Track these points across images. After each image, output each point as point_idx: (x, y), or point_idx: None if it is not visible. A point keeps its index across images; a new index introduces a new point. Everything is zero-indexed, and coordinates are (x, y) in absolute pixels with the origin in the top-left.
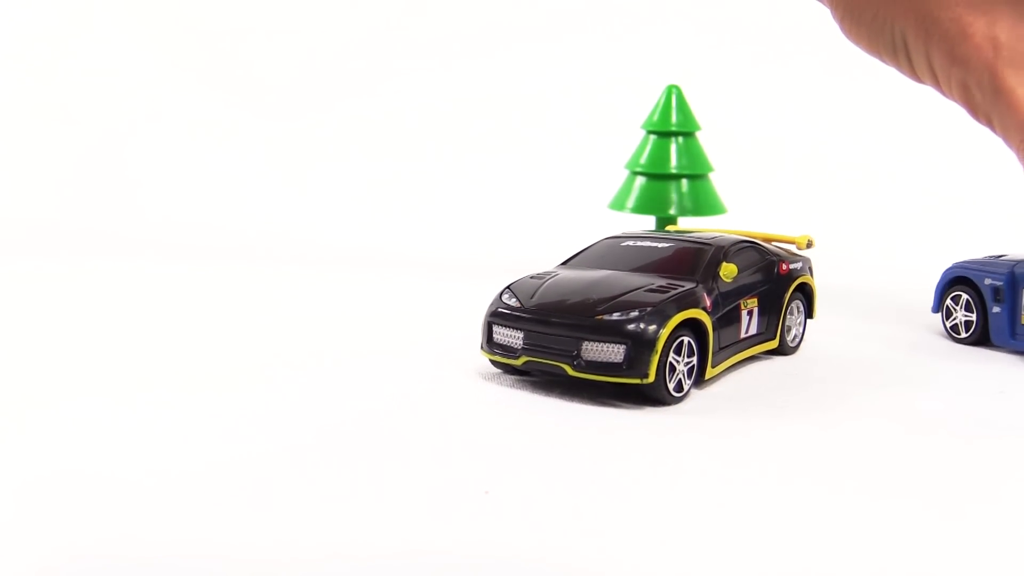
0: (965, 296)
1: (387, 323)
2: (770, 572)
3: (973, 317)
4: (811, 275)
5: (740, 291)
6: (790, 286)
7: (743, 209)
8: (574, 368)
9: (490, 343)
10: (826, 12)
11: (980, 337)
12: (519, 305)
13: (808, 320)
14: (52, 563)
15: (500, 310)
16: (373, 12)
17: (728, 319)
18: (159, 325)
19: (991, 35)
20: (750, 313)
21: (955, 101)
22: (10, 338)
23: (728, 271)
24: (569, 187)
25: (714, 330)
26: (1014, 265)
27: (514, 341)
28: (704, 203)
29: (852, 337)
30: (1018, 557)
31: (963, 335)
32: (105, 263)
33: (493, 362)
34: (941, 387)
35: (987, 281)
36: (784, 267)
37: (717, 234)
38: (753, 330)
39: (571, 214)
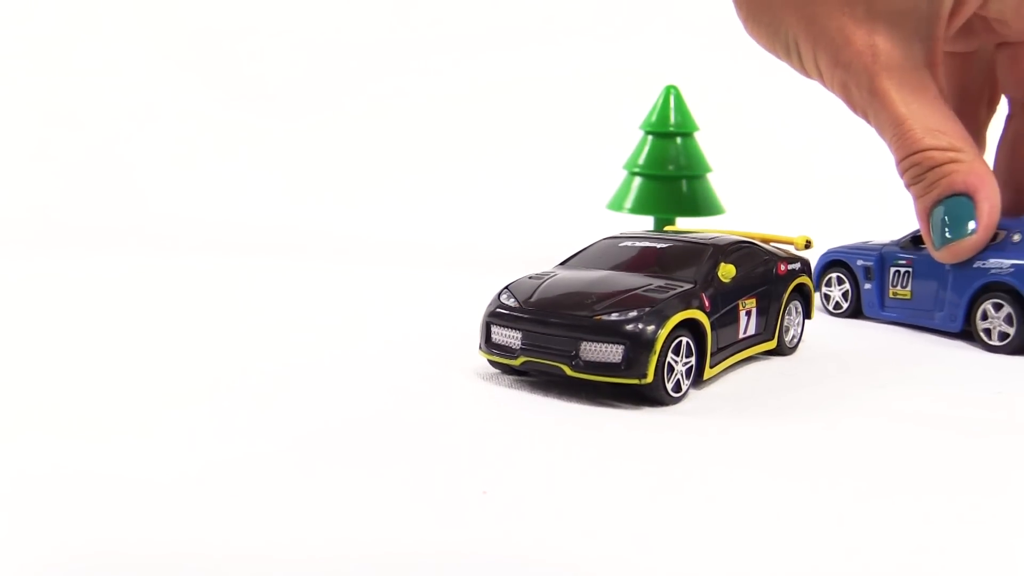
0: (836, 275)
1: (385, 323)
2: (769, 571)
3: (847, 289)
4: (809, 275)
5: (738, 291)
6: (788, 286)
7: (741, 209)
8: (572, 368)
9: (488, 343)
10: None
11: (854, 311)
12: (517, 305)
13: (806, 320)
14: (51, 563)
15: (498, 310)
16: (373, 13)
17: (726, 319)
18: (159, 322)
19: (871, 43)
20: (748, 313)
21: (836, 96)
22: (13, 336)
23: (726, 271)
24: (567, 187)
25: (712, 330)
26: (881, 248)
27: (512, 341)
28: (702, 203)
29: (850, 337)
30: (1019, 555)
31: (843, 308)
32: (105, 261)
33: (491, 362)
34: (939, 387)
35: (859, 262)
36: (782, 267)
37: (715, 234)
38: (751, 330)
39: (569, 214)
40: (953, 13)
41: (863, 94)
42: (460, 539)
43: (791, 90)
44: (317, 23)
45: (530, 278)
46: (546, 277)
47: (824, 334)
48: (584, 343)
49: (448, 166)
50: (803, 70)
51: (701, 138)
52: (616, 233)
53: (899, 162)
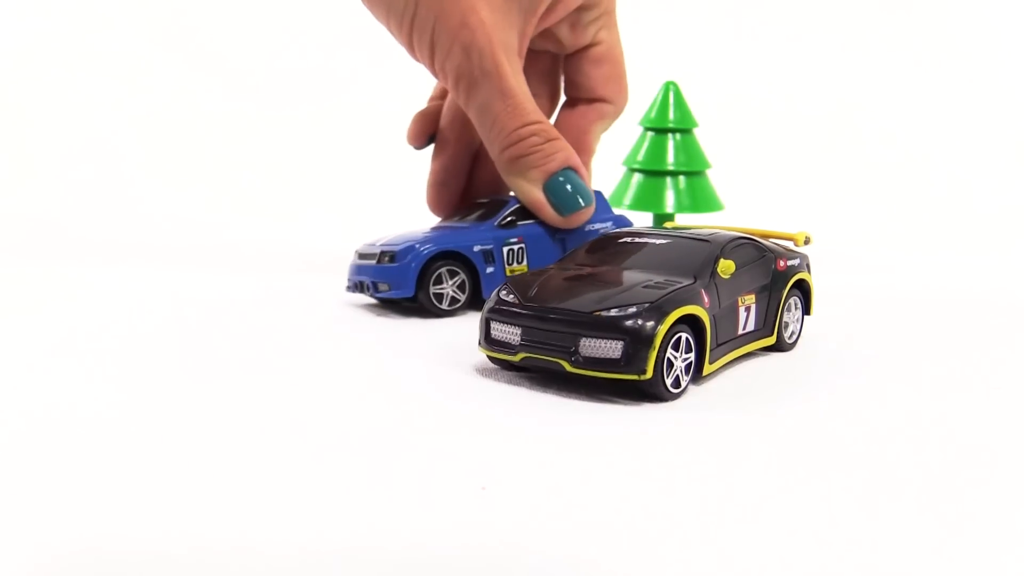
0: (445, 269)
1: (385, 319)
2: (768, 567)
3: (462, 279)
4: (809, 272)
5: (738, 287)
6: (788, 282)
7: (741, 205)
8: (572, 364)
9: (488, 339)
10: (827, 9)
11: (472, 300)
12: (517, 301)
13: (805, 316)
14: (42, 561)
15: (498, 306)
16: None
17: (726, 315)
18: (161, 322)
19: (492, 20)
20: (748, 309)
21: (446, 71)
22: (11, 338)
23: (726, 267)
24: None
25: (712, 326)
26: (451, 231)
27: (512, 337)
28: (702, 200)
29: (849, 333)
30: (1017, 552)
31: (461, 301)
32: (96, 260)
33: (491, 358)
34: (939, 383)
35: (476, 248)
36: (782, 263)
37: (715, 230)
38: (751, 326)
39: None
40: (543, 17)
41: (485, 63)
42: (459, 535)
43: (790, 86)
44: (312, 21)
45: (530, 274)
46: (546, 273)
47: (823, 330)
48: (583, 339)
49: None
50: (410, 42)
51: (700, 134)
52: (616, 229)
53: (513, 131)
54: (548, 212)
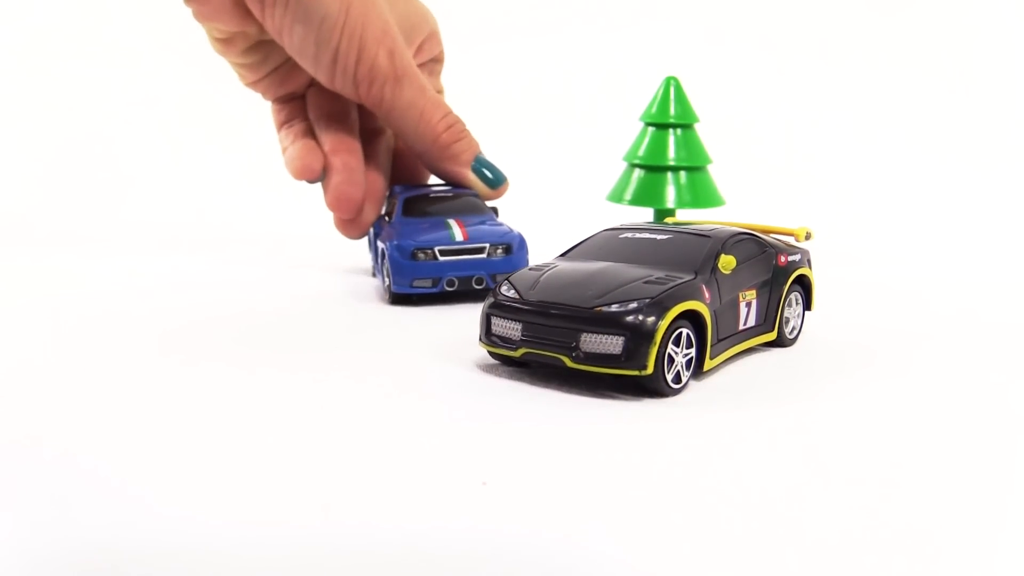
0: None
1: (386, 314)
2: (769, 564)
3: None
4: (809, 267)
5: (739, 283)
6: (788, 278)
7: (742, 201)
8: (572, 360)
9: (489, 334)
10: (824, 5)
11: None
12: (518, 297)
13: (806, 312)
14: (35, 563)
15: (499, 301)
16: None
17: (726, 311)
18: (168, 318)
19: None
20: (748, 305)
21: (372, 74)
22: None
23: (727, 263)
24: (567, 179)
25: (712, 322)
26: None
27: (513, 332)
28: (702, 195)
29: (850, 329)
30: (1019, 549)
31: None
32: (96, 257)
33: (492, 353)
34: (941, 378)
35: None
36: (783, 259)
37: (716, 226)
38: (752, 322)
39: (569, 206)
40: (417, 50)
41: (404, 64)
42: (457, 530)
43: (792, 82)
44: None
45: (530, 269)
46: (546, 269)
47: (824, 325)
48: (584, 334)
49: None
50: (338, 48)
51: (701, 130)
52: (616, 225)
53: (439, 120)
54: (483, 189)
